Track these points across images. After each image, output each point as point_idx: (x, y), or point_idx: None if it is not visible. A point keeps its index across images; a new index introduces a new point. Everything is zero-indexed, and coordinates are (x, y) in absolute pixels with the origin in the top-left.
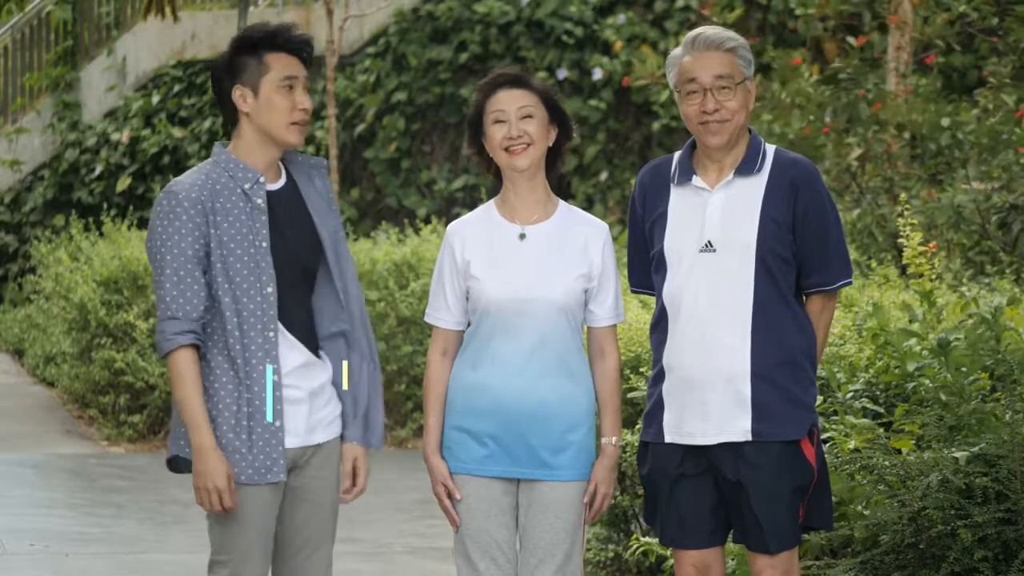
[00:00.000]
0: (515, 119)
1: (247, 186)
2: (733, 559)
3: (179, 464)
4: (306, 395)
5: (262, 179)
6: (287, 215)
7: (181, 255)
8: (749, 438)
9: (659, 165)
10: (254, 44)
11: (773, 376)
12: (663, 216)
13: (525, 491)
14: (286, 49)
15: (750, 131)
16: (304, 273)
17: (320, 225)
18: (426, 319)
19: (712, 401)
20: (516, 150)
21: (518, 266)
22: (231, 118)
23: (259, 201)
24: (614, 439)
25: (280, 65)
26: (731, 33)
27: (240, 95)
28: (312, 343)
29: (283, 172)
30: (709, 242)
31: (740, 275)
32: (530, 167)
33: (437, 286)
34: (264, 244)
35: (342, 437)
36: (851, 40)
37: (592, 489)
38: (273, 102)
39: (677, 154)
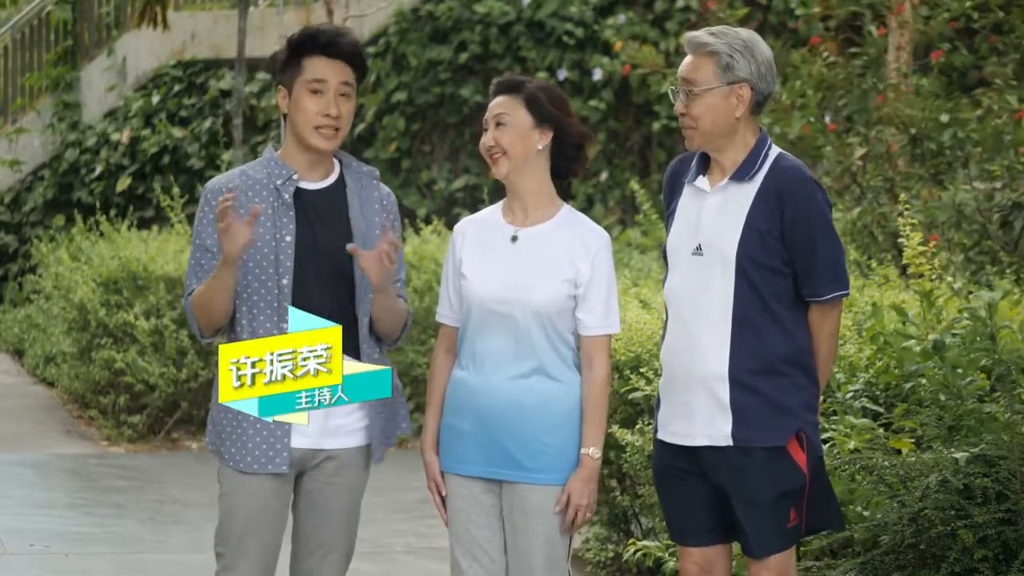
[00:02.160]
0: (491, 128)
1: (279, 182)
2: (734, 560)
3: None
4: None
5: (295, 176)
6: (323, 213)
7: (202, 245)
8: (731, 443)
9: (684, 160)
10: (297, 45)
11: (752, 382)
12: (673, 213)
13: (507, 493)
14: (327, 53)
15: (761, 131)
16: (336, 270)
17: (356, 228)
18: (436, 317)
19: (695, 403)
20: (492, 159)
21: (504, 268)
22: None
23: (287, 197)
24: (592, 450)
25: (313, 68)
26: (719, 34)
27: (282, 95)
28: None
29: (336, 173)
30: (699, 245)
31: (721, 281)
32: (510, 175)
33: (443, 283)
34: (288, 238)
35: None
36: (871, 29)
37: (564, 499)
38: (300, 103)
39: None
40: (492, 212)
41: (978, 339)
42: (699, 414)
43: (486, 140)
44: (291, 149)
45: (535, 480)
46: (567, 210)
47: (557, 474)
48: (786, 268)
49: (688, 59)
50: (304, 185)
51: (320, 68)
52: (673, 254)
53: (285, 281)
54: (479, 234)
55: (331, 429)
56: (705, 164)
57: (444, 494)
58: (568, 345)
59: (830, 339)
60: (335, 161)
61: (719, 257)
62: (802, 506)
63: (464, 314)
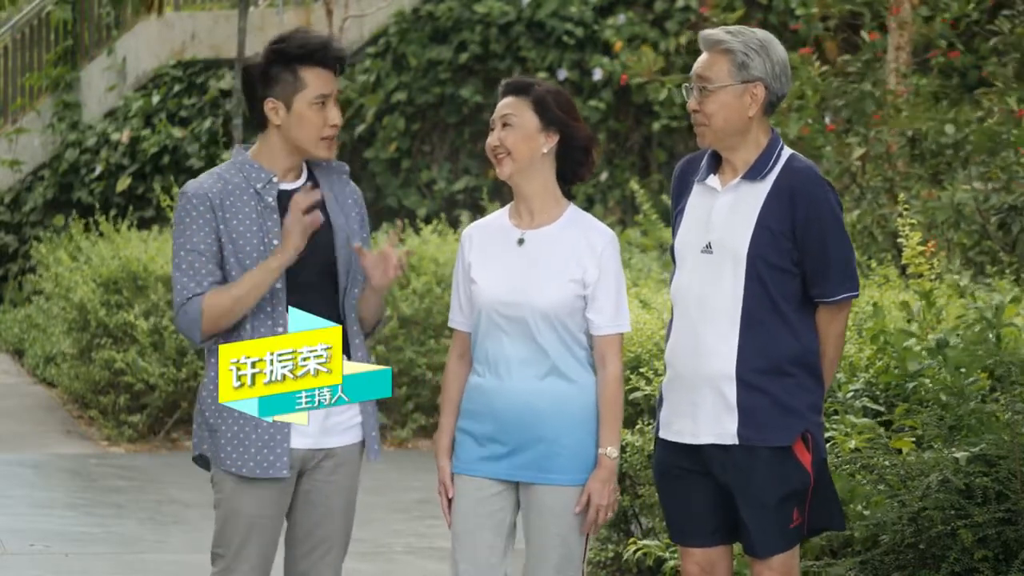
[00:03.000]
0: (497, 128)
1: (259, 185)
2: (734, 560)
3: (205, 462)
4: None
5: (275, 179)
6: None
7: (194, 249)
8: (736, 442)
9: (693, 159)
10: (290, 58)
11: (758, 382)
12: (682, 212)
13: (524, 494)
14: (323, 64)
15: (772, 131)
16: (322, 269)
17: (336, 222)
18: (449, 323)
19: (701, 402)
20: (496, 159)
21: (512, 270)
22: (259, 123)
23: (270, 200)
24: (609, 450)
25: (315, 82)
26: (736, 33)
27: (272, 108)
28: None
29: (304, 173)
30: (709, 244)
31: (731, 280)
32: (514, 175)
33: (454, 289)
34: (276, 242)
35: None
36: (864, 35)
37: (584, 499)
38: (305, 118)
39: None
40: (499, 216)
41: (984, 338)
42: (704, 413)
43: (491, 140)
44: (274, 156)
45: (552, 481)
46: (573, 210)
47: (573, 475)
48: (796, 268)
49: (703, 56)
50: (282, 186)
51: (323, 82)
52: (681, 252)
53: (279, 285)
54: (486, 238)
55: (329, 427)
56: (716, 163)
57: (451, 497)
58: (581, 345)
59: (837, 340)
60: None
61: (730, 256)
62: (805, 507)
63: (475, 319)
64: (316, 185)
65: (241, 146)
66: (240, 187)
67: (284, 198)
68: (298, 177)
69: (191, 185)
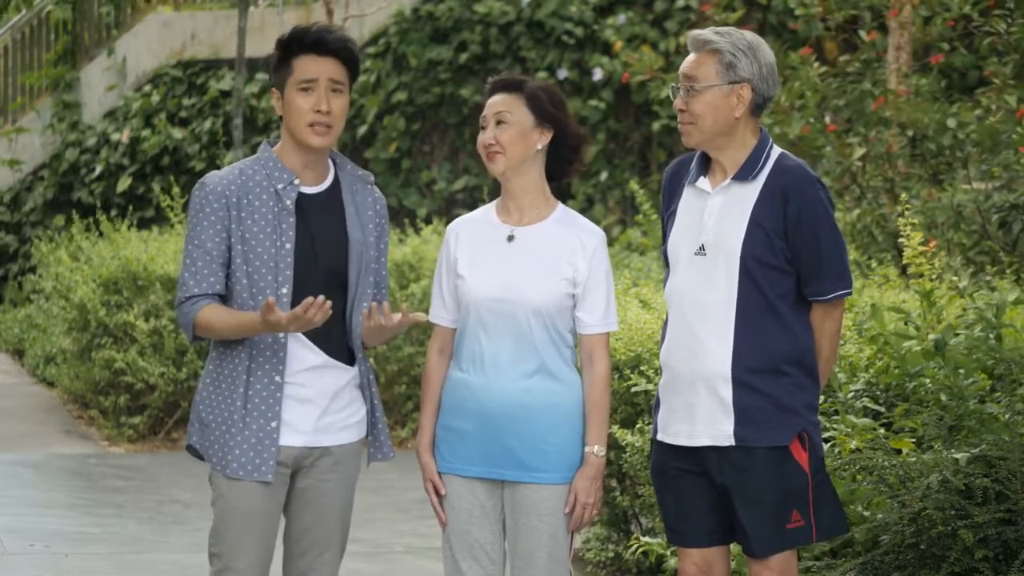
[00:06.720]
0: (491, 125)
1: (280, 186)
2: (734, 560)
3: (197, 452)
4: (314, 395)
5: (296, 180)
6: (320, 219)
7: (201, 247)
8: (733, 443)
9: (683, 161)
10: (287, 48)
11: (755, 382)
12: (673, 214)
13: (509, 493)
14: (315, 51)
15: (761, 131)
16: (330, 278)
17: (352, 235)
18: (428, 317)
19: (698, 404)
20: (490, 156)
21: (501, 267)
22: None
23: (288, 202)
24: (596, 448)
25: (301, 67)
26: (724, 34)
27: (275, 97)
28: (335, 347)
29: (331, 177)
30: (702, 245)
31: (725, 280)
32: (507, 172)
33: (436, 283)
34: (288, 245)
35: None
36: (861, 34)
37: (572, 498)
38: (292, 104)
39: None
40: (485, 212)
41: (984, 338)
42: (701, 414)
43: (486, 137)
44: (287, 150)
45: (540, 480)
46: (562, 209)
47: (561, 473)
48: (790, 267)
49: (691, 56)
50: (303, 189)
51: (309, 67)
52: (674, 255)
53: (284, 290)
54: (474, 234)
55: (324, 427)
56: (705, 165)
57: (443, 494)
58: (567, 344)
59: (832, 339)
60: (330, 162)
61: (723, 256)
62: (808, 510)
63: (463, 315)
64: (339, 190)
65: (267, 141)
66: (261, 185)
67: (303, 200)
68: (322, 180)
69: (211, 179)
